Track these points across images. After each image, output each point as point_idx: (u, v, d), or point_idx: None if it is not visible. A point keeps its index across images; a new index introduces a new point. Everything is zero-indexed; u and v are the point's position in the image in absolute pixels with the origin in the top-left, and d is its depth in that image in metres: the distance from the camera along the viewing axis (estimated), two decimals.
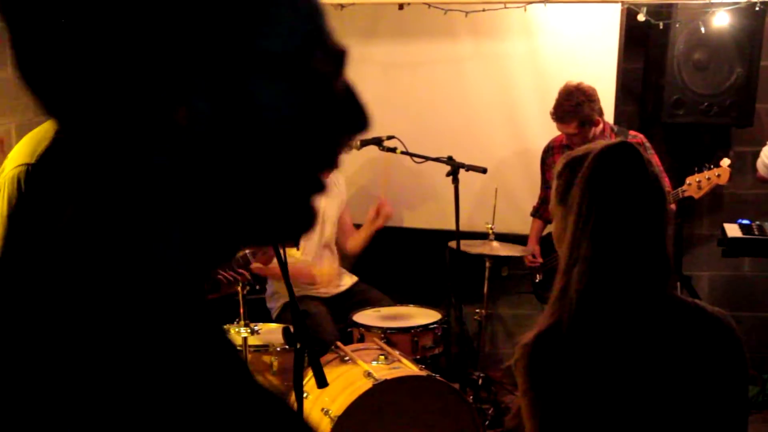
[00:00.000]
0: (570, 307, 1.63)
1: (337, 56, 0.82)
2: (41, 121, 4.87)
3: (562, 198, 1.76)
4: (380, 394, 3.63)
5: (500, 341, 5.71)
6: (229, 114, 0.71)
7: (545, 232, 4.89)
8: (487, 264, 4.61)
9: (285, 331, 2.54)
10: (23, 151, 2.47)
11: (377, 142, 4.51)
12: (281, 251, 2.69)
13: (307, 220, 0.78)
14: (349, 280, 4.90)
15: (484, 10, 4.70)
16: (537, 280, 4.93)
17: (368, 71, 5.27)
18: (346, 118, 0.81)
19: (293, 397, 3.92)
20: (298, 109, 0.76)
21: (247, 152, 0.73)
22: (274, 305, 4.77)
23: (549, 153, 4.74)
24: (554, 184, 1.80)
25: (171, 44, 0.68)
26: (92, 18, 0.66)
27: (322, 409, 3.72)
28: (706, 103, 4.86)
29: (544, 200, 4.80)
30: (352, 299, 4.75)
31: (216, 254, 0.76)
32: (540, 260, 4.82)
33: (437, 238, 5.22)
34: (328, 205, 4.71)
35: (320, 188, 0.79)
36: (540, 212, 4.91)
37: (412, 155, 4.44)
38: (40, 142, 2.48)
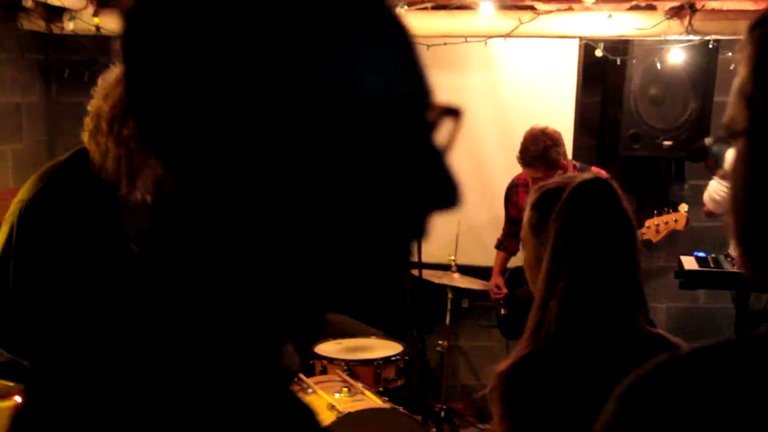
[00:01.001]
0: (547, 338, 1.65)
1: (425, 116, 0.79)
2: (2, 150, 4.85)
3: (536, 229, 1.78)
4: (344, 427, 3.61)
5: (461, 373, 5.72)
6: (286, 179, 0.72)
7: (511, 264, 4.92)
8: (450, 295, 4.63)
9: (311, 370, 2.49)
10: (26, 187, 2.50)
11: None
12: None
13: (393, 288, 0.79)
14: None
15: (445, 44, 4.75)
16: (501, 314, 4.94)
17: None
18: (434, 190, 0.79)
19: None
20: (369, 175, 0.74)
21: (325, 222, 0.73)
22: None
23: (513, 191, 4.79)
24: (527, 213, 1.83)
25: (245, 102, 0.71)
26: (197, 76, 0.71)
27: None
28: (661, 137, 4.95)
29: (508, 234, 4.86)
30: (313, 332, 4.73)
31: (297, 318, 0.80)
32: (505, 291, 4.85)
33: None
34: None
35: (406, 259, 0.79)
36: (504, 245, 4.93)
37: None
38: (40, 180, 2.49)
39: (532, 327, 1.69)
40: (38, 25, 4.88)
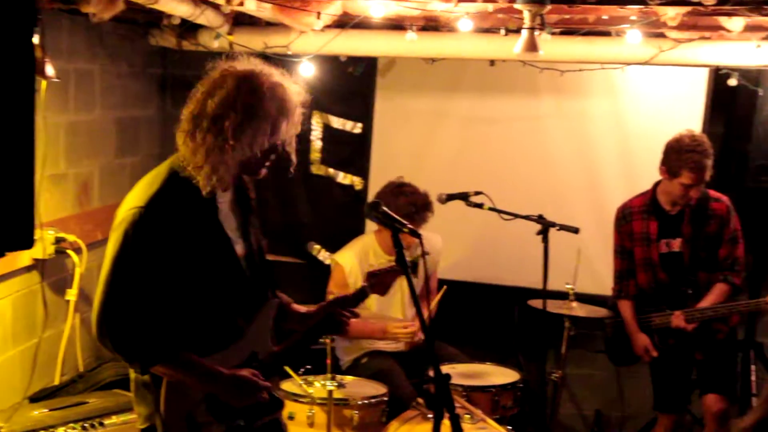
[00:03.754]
0: None
1: None
2: (122, 163, 4.92)
3: None
4: None
5: (562, 402, 5.60)
6: None
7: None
8: (566, 324, 4.53)
9: (426, 394, 2.45)
10: (136, 195, 2.60)
11: (464, 197, 4.46)
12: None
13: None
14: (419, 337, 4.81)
15: (581, 70, 4.70)
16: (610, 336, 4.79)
17: (448, 124, 5.27)
18: None
19: None
20: None
21: None
22: (345, 358, 4.71)
23: (626, 219, 4.63)
24: None
25: None
26: None
27: None
28: None
29: (625, 274, 4.68)
30: (424, 355, 4.65)
31: None
32: (656, 354, 4.57)
33: (511, 295, 5.18)
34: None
35: None
36: (625, 291, 4.69)
37: (500, 212, 4.39)
38: (150, 185, 2.59)
39: None
40: (169, 41, 4.95)
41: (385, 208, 2.79)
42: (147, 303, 2.53)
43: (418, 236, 2.79)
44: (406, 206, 4.38)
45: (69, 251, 4.25)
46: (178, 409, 2.64)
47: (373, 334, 4.57)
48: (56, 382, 4.27)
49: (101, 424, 3.77)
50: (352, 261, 4.62)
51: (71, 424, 3.68)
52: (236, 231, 2.76)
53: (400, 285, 4.55)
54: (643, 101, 5.08)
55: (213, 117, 2.54)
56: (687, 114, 4.90)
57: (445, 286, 4.73)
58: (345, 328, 3.01)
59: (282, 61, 4.76)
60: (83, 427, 3.70)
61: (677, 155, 4.29)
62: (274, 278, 2.93)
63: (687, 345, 4.51)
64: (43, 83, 3.85)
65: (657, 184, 4.52)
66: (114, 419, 3.83)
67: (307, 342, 2.99)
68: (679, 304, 4.46)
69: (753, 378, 4.76)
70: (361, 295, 3.10)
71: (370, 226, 5.15)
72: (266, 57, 4.87)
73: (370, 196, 5.13)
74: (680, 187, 4.33)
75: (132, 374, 2.74)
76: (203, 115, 2.56)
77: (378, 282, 3.16)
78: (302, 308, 3.06)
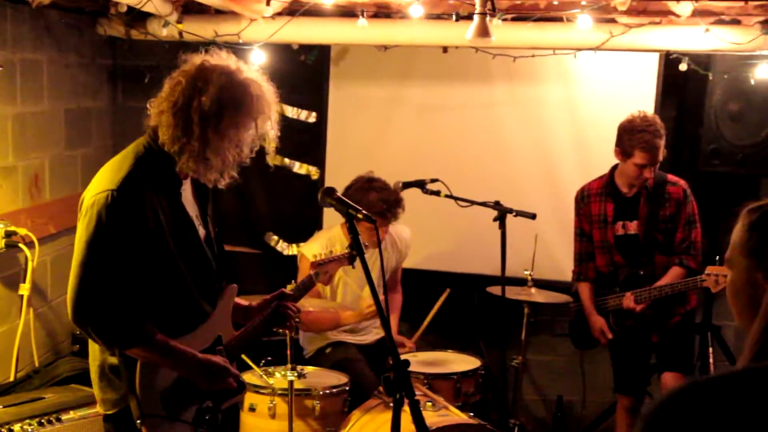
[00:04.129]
0: None
1: None
2: (73, 155, 4.83)
3: (753, 252, 1.70)
4: None
5: (524, 388, 5.64)
6: None
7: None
8: (526, 310, 4.55)
9: (385, 380, 2.45)
10: (104, 178, 2.64)
11: (420, 184, 4.46)
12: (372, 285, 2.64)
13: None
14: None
15: (533, 56, 4.72)
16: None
17: (403, 112, 5.26)
18: None
19: None
20: None
21: None
22: (309, 348, 4.69)
23: (584, 201, 4.66)
24: (741, 234, 1.74)
25: None
26: None
27: None
28: (740, 154, 4.88)
29: (584, 258, 4.71)
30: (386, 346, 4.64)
31: None
32: (611, 336, 4.60)
33: (470, 282, 5.20)
34: (389, 257, 4.68)
35: None
36: (584, 274, 4.72)
37: (457, 199, 4.40)
38: (119, 169, 2.64)
39: (747, 361, 1.60)
40: (118, 30, 4.87)
41: (339, 195, 2.79)
42: (122, 285, 2.57)
43: (373, 222, 2.79)
44: (378, 203, 4.32)
45: (20, 245, 4.17)
46: (154, 389, 2.69)
47: (327, 323, 4.53)
48: (11, 378, 4.19)
49: (59, 419, 3.70)
50: (318, 252, 4.59)
51: (27, 420, 3.61)
52: (197, 218, 2.84)
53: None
54: (596, 87, 5.12)
55: (202, 111, 2.60)
56: (639, 99, 4.94)
57: (448, 290, 4.72)
58: (291, 322, 3.12)
59: (233, 49, 4.70)
60: (40, 423, 3.64)
61: (629, 136, 4.33)
62: (231, 266, 3.01)
63: (643, 327, 4.56)
64: None
65: (615, 167, 4.56)
66: (72, 414, 3.76)
67: (255, 336, 3.06)
68: (633, 286, 4.50)
69: (711, 360, 4.82)
70: (307, 285, 3.22)
71: (328, 216, 5.13)
72: (217, 46, 4.83)
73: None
74: (634, 167, 4.37)
75: (95, 362, 2.76)
76: (190, 109, 2.60)
77: (323, 271, 3.30)
78: (244, 302, 3.12)
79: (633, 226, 4.54)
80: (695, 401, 0.91)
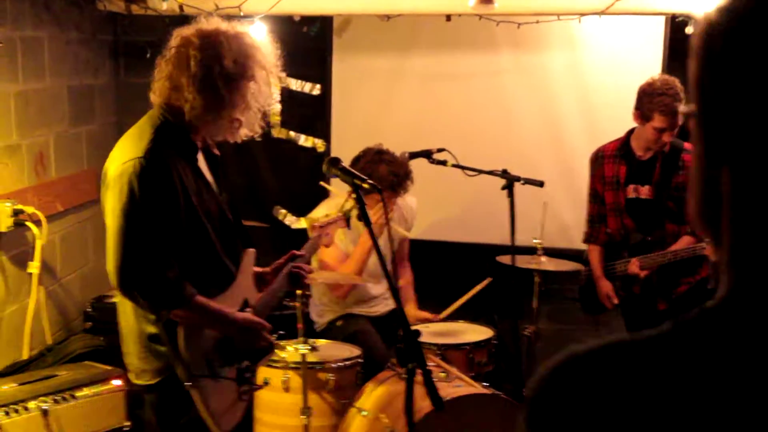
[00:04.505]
0: None
1: None
2: (77, 132, 4.80)
3: None
4: (446, 413, 3.53)
5: (538, 357, 5.63)
6: None
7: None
8: (536, 279, 4.54)
9: (397, 351, 2.45)
10: (127, 148, 2.69)
11: (426, 154, 4.42)
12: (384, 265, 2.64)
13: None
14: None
15: (537, 22, 4.68)
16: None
17: (407, 82, 5.22)
18: None
19: (350, 414, 3.86)
20: None
21: None
22: (320, 321, 4.67)
23: (599, 162, 4.60)
24: None
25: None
26: None
27: (387, 429, 3.64)
28: None
29: (596, 220, 4.68)
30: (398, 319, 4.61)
31: None
32: (616, 301, 4.59)
33: (480, 252, 5.17)
34: (396, 229, 4.64)
35: None
36: (594, 236, 4.69)
37: (464, 168, 4.36)
38: (140, 138, 2.69)
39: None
40: (118, 6, 4.82)
41: (344, 164, 2.82)
42: (162, 249, 2.63)
43: (379, 191, 2.82)
44: (388, 176, 4.27)
45: (28, 223, 4.15)
46: (197, 351, 2.74)
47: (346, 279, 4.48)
48: (25, 356, 4.19)
49: (73, 396, 3.72)
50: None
51: (42, 398, 3.63)
52: (212, 184, 2.90)
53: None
54: (602, 52, 5.08)
55: (225, 75, 2.69)
56: (646, 63, 4.90)
57: (490, 278, 4.68)
58: (304, 281, 3.25)
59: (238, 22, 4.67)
60: (55, 400, 3.65)
61: (649, 99, 4.27)
62: (247, 232, 3.09)
63: (651, 295, 4.54)
64: None
65: (631, 130, 4.50)
66: (85, 391, 3.78)
67: (278, 299, 3.20)
68: (641, 252, 4.48)
69: None
70: (315, 246, 3.40)
71: (336, 188, 5.10)
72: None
73: None
74: (653, 131, 4.32)
75: (132, 335, 2.82)
76: (213, 77, 2.68)
77: (324, 233, 3.39)
78: (258, 269, 3.16)
79: (645, 191, 4.49)
80: (575, 378, 0.85)
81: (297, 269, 3.16)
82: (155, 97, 2.78)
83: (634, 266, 4.44)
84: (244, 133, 2.84)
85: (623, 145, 4.51)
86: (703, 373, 0.81)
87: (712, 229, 0.88)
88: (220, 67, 2.68)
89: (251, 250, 3.06)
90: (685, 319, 0.87)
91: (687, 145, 4.45)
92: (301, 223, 5.45)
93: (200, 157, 2.87)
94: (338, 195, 4.65)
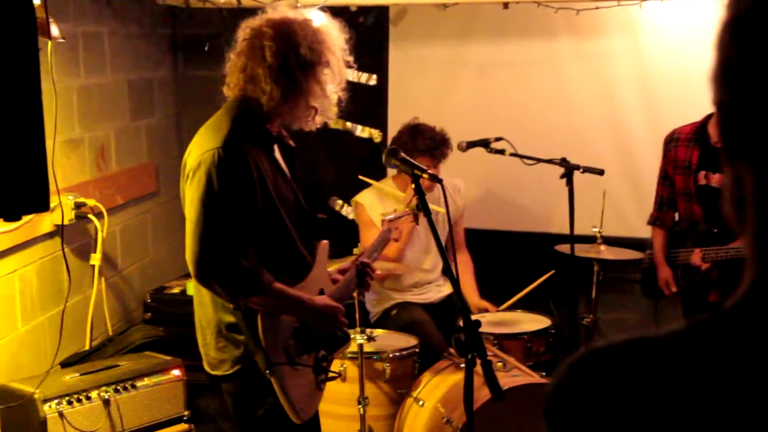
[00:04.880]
0: None
1: None
2: (137, 126, 4.87)
3: None
4: (503, 403, 3.50)
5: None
6: None
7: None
8: (596, 268, 4.48)
9: (457, 341, 2.43)
10: (206, 139, 2.70)
11: (484, 143, 4.39)
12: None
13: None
14: (449, 287, 4.75)
15: (597, 8, 4.60)
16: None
17: (465, 72, 5.18)
18: None
19: (407, 404, 3.86)
20: None
21: None
22: (374, 310, 4.68)
23: (672, 144, 4.45)
24: None
25: None
26: None
27: (444, 419, 3.62)
28: None
29: (661, 202, 4.56)
30: (454, 306, 4.60)
31: None
32: (675, 289, 4.48)
33: (539, 241, 5.12)
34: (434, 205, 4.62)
35: None
36: (660, 220, 4.57)
37: (522, 157, 4.32)
38: (218, 129, 2.69)
39: None
40: (177, 0, 4.87)
41: (403, 155, 2.81)
42: (239, 238, 2.64)
43: (439, 181, 2.81)
44: (425, 142, 4.37)
45: (90, 216, 4.23)
46: (276, 339, 2.74)
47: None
48: (86, 347, 4.27)
49: (133, 386, 3.77)
50: (371, 198, 4.58)
51: (104, 387, 3.68)
52: (288, 175, 2.91)
53: (426, 234, 4.50)
54: (664, 37, 4.96)
55: (302, 64, 2.69)
56: (708, 48, 4.75)
57: (553, 271, 4.65)
58: (368, 280, 3.17)
59: None
60: (116, 390, 3.71)
61: None
62: (319, 223, 3.10)
63: (708, 286, 4.41)
64: (50, 45, 3.79)
65: (710, 115, 4.37)
66: (146, 381, 3.83)
67: (347, 293, 3.13)
68: (706, 242, 4.37)
69: None
70: (383, 241, 3.29)
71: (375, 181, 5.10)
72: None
73: None
74: None
75: (210, 325, 2.82)
76: (289, 66, 2.68)
77: (393, 227, 3.32)
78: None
79: (716, 179, 4.32)
80: (591, 373, 0.85)
81: (364, 267, 3.14)
82: (229, 90, 2.80)
83: (696, 257, 4.31)
84: (319, 120, 2.86)
85: (699, 128, 4.37)
86: (715, 372, 0.80)
87: (741, 226, 0.86)
88: (295, 56, 2.69)
89: (325, 242, 3.07)
90: (703, 317, 0.86)
91: None
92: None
93: (276, 148, 2.88)
94: (384, 179, 4.69)
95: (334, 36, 2.83)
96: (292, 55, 2.68)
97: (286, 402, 2.73)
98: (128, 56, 4.86)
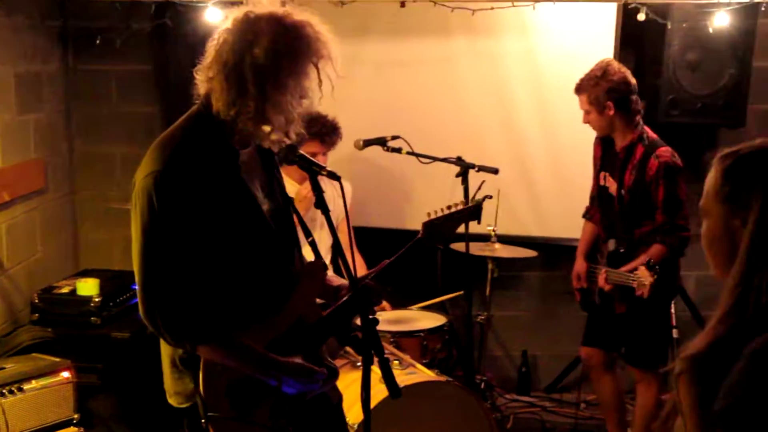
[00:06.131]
0: (753, 315, 1.55)
1: None
2: (25, 121, 4.71)
3: (728, 199, 1.69)
4: (399, 400, 3.53)
5: (490, 344, 5.67)
6: None
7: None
8: (490, 266, 4.55)
9: (353, 339, 2.41)
10: (152, 158, 2.37)
11: (381, 142, 4.42)
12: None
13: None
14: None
15: (492, 9, 4.67)
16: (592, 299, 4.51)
17: (360, 70, 5.19)
18: None
19: None
20: None
21: None
22: None
23: (595, 142, 4.45)
24: (715, 180, 1.73)
25: None
26: None
27: None
28: (699, 104, 4.88)
29: (591, 198, 4.55)
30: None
31: None
32: (585, 285, 4.47)
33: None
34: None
35: None
36: (589, 214, 4.56)
37: (419, 156, 4.36)
38: (165, 146, 2.39)
39: (728, 307, 1.59)
40: None
41: (302, 152, 2.60)
42: (186, 275, 2.34)
43: (338, 179, 2.58)
44: (315, 125, 4.35)
45: None
46: (219, 388, 2.40)
47: None
48: None
49: (20, 389, 3.66)
50: None
51: None
52: (261, 189, 2.55)
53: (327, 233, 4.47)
54: (555, 39, 5.07)
55: (256, 66, 2.31)
56: (598, 50, 4.88)
57: (462, 291, 4.64)
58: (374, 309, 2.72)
59: (191, 7, 4.62)
60: (1, 394, 3.59)
61: None
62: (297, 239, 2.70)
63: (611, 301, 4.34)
64: None
65: None
66: (34, 383, 3.73)
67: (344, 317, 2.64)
68: (614, 261, 4.29)
69: (672, 311, 4.74)
70: (416, 249, 2.90)
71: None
72: (173, 4, 4.74)
73: None
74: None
75: (166, 354, 2.50)
76: (243, 67, 2.31)
77: (437, 232, 2.97)
78: (337, 280, 2.77)
79: (612, 186, 4.29)
80: None
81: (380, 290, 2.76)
82: (196, 90, 2.46)
83: (601, 279, 4.25)
84: (275, 138, 2.39)
85: None
86: None
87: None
88: (251, 57, 2.31)
89: (317, 263, 2.64)
90: None
91: (659, 151, 4.15)
92: None
93: (248, 156, 2.52)
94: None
95: (316, 41, 2.44)
96: (247, 55, 2.32)
97: None
98: (15, 48, 4.70)
